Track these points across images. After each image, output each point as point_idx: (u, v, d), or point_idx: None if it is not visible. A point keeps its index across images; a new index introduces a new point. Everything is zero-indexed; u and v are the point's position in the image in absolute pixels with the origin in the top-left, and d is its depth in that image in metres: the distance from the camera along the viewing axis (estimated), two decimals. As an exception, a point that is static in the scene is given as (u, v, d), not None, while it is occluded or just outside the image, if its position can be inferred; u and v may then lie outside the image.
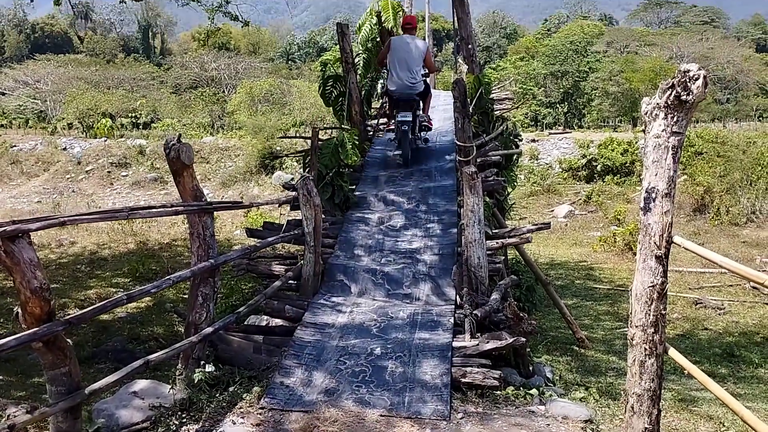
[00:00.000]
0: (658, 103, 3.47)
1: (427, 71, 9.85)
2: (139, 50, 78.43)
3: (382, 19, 13.40)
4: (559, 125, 46.65)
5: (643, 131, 3.63)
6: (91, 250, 13.99)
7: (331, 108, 11.18)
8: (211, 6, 11.85)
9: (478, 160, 8.18)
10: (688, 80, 3.33)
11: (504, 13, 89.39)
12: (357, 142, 9.46)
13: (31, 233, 3.22)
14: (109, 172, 29.63)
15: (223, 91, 52.72)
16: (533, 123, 46.77)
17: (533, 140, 30.46)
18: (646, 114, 3.55)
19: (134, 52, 76.61)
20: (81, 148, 32.06)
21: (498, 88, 14.60)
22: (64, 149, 32.09)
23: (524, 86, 48.46)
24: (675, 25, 76.31)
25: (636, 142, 26.21)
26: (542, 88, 49.90)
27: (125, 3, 11.61)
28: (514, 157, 10.26)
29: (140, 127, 42.35)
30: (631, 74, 43.49)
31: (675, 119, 3.39)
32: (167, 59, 70.88)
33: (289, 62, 74.91)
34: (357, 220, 8.30)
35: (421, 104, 9.82)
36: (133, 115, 44.39)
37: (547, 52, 52.79)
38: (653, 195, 3.43)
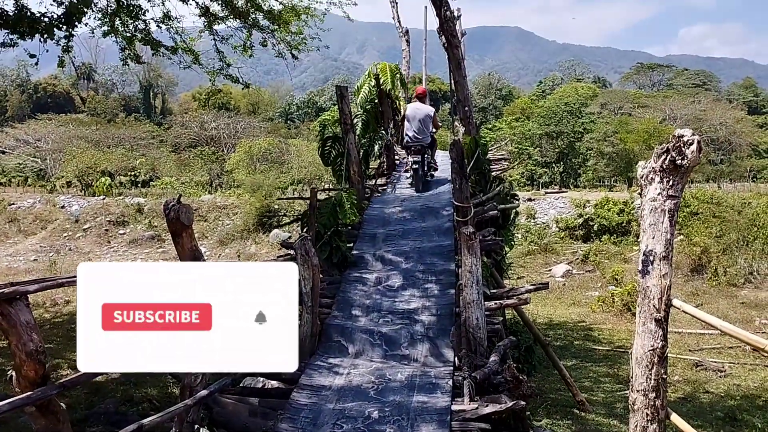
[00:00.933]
0: (653, 167, 3.52)
1: (434, 129, 12.44)
2: (140, 110, 79.60)
3: (381, 81, 13.70)
4: (555, 184, 47.07)
5: (640, 194, 3.67)
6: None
7: (329, 167, 11.29)
8: (212, 69, 12.13)
9: (476, 219, 8.22)
10: (682, 145, 3.39)
11: (499, 75, 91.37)
12: (355, 202, 9.54)
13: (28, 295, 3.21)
14: (106, 230, 29.62)
15: (222, 150, 53.26)
16: (530, 182, 47.17)
17: (530, 199, 30.65)
18: (642, 178, 3.60)
19: (135, 112, 77.70)
20: (79, 206, 32.12)
21: (494, 149, 14.79)
22: (63, 207, 32.16)
23: (520, 146, 49.07)
24: (667, 88, 77.80)
25: (632, 202, 26.37)
26: (538, 148, 50.51)
27: (128, 65, 11.85)
28: (512, 217, 10.32)
29: (139, 185, 42.59)
30: (625, 135, 44.10)
31: (670, 183, 3.44)
32: (168, 119, 71.86)
33: (288, 122, 76.01)
34: (355, 279, 8.27)
35: (429, 151, 12.38)
36: (132, 173, 44.72)
37: (542, 113, 53.64)
38: (651, 258, 3.45)
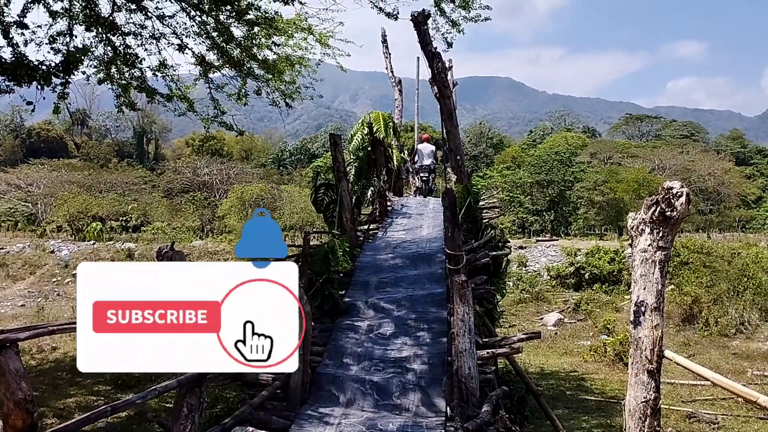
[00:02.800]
0: (643, 219, 3.57)
1: (434, 161, 19.20)
2: (134, 155, 79.90)
3: (374, 130, 13.86)
4: (547, 233, 47.23)
5: (630, 245, 3.71)
6: (73, 356, 13.60)
7: (322, 214, 11.33)
8: (207, 116, 12.25)
9: (468, 267, 8.23)
10: (671, 197, 3.44)
11: (491, 124, 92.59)
12: (348, 249, 9.55)
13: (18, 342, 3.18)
14: (96, 275, 29.39)
15: (215, 196, 53.33)
16: (521, 230, 47.33)
17: (521, 247, 30.71)
18: (632, 229, 3.64)
19: (128, 157, 77.98)
20: (69, 251, 31.91)
21: (486, 197, 14.90)
22: (52, 252, 31.94)
23: (511, 194, 49.37)
24: (656, 139, 78.90)
25: (622, 251, 26.45)
26: (529, 196, 50.82)
27: (123, 112, 11.96)
28: (503, 265, 10.33)
29: (130, 230, 42.44)
30: (615, 184, 44.48)
31: (660, 234, 3.48)
32: (160, 164, 72.12)
33: (281, 168, 76.44)
34: (346, 327, 8.23)
35: (432, 175, 19.20)
36: (123, 218, 44.62)
37: (532, 162, 54.14)
38: (642, 309, 3.47)
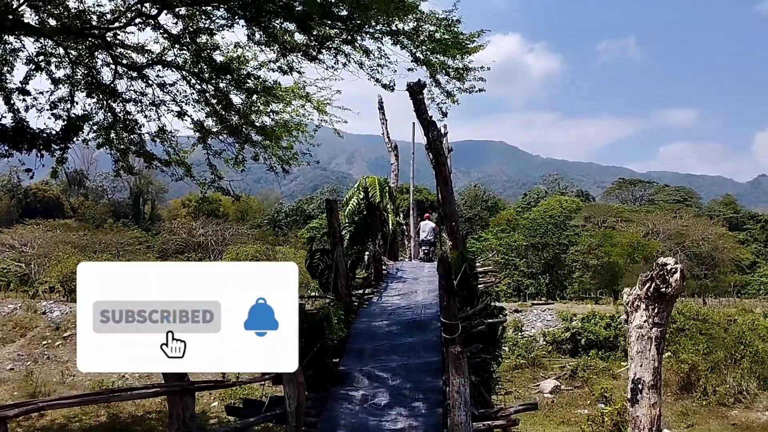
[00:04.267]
0: (638, 294, 3.57)
1: (435, 236, 21.14)
2: (129, 216, 79.92)
3: (370, 194, 13.97)
4: (542, 296, 46.94)
5: (626, 321, 3.71)
6: (61, 423, 13.36)
7: (317, 279, 11.28)
8: (204, 181, 12.34)
9: (463, 335, 8.16)
10: (666, 273, 3.46)
11: (485, 187, 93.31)
12: (342, 317, 9.47)
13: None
14: (86, 337, 28.99)
15: (209, 257, 53.11)
16: (516, 293, 47.08)
17: (516, 311, 30.48)
18: (627, 304, 3.64)
19: (124, 218, 77.96)
20: (61, 313, 31.48)
21: (482, 260, 14.90)
22: (44, 313, 31.54)
23: (506, 257, 49.30)
24: (649, 203, 79.46)
25: (618, 317, 26.31)
26: (524, 259, 50.74)
27: (121, 176, 12.05)
28: (499, 333, 10.25)
29: (123, 291, 42.02)
30: (609, 248, 44.48)
31: (656, 311, 3.48)
32: (156, 225, 72.06)
33: (276, 229, 76.43)
34: (341, 397, 8.08)
35: (433, 247, 21.19)
36: (117, 279, 44.27)
37: (527, 225, 54.30)
38: (640, 386, 3.44)
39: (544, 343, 27.21)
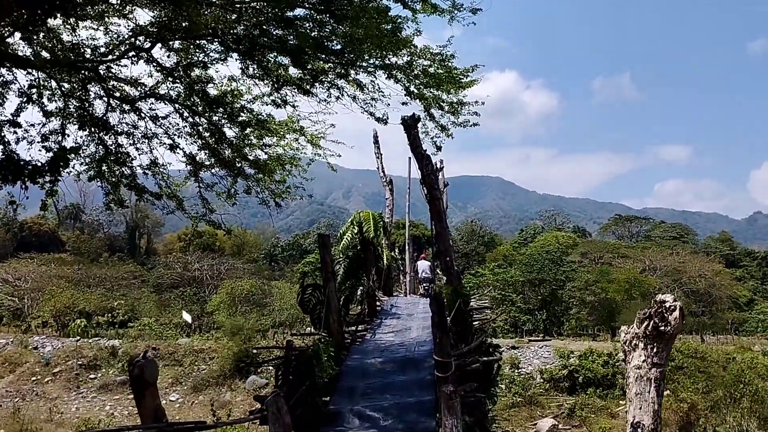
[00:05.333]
0: (636, 333, 3.41)
1: (432, 273, 22.06)
2: (125, 250, 79.72)
3: (364, 229, 13.83)
4: (539, 332, 46.53)
5: (624, 361, 3.54)
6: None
7: (308, 315, 11.07)
8: (195, 215, 12.20)
9: (457, 373, 7.94)
10: (664, 311, 3.30)
11: (482, 222, 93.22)
12: (333, 354, 9.23)
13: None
14: (77, 374, 28.51)
15: (204, 292, 52.72)
16: (513, 329, 46.65)
17: (513, 347, 30.13)
18: (625, 343, 3.48)
19: (120, 252, 77.72)
20: (53, 348, 31.17)
21: (477, 295, 14.71)
22: (36, 348, 31.18)
23: (503, 293, 48.99)
24: (645, 239, 79.46)
25: (616, 354, 26.05)
26: (521, 295, 50.38)
27: (112, 210, 11.90)
28: (495, 371, 10.02)
29: (116, 326, 41.66)
30: (606, 284, 44.24)
31: (655, 350, 3.32)
32: (151, 259, 71.77)
33: (272, 264, 76.12)
34: (330, 439, 7.82)
35: (431, 284, 21.87)
36: (111, 314, 43.90)
37: (524, 260, 54.05)
38: (639, 430, 3.26)
39: (542, 380, 26.83)
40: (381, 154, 22.48)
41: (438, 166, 14.91)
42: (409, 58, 10.27)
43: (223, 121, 11.56)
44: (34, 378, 28.47)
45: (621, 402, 23.62)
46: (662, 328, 3.29)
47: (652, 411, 3.27)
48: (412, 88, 10.47)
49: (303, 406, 7.93)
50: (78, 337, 33.16)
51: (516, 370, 27.78)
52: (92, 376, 28.50)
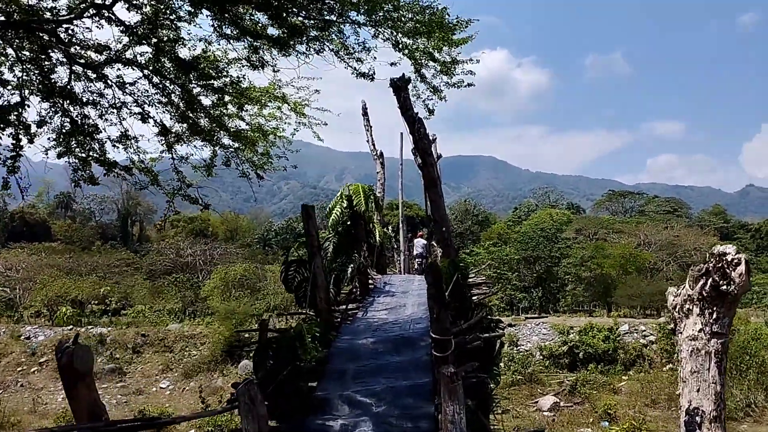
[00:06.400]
0: (689, 295, 2.66)
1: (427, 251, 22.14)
2: (117, 237, 78.99)
3: (354, 203, 13.07)
4: (535, 309, 46.14)
5: (674, 332, 2.78)
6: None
7: (293, 294, 10.30)
8: (171, 190, 11.35)
9: (457, 352, 7.20)
10: (726, 266, 2.54)
11: (476, 202, 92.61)
12: (319, 334, 8.45)
13: None
14: (64, 362, 27.79)
15: (198, 277, 51.98)
16: (509, 307, 46.23)
17: (510, 325, 29.55)
18: (674, 309, 2.72)
19: (112, 239, 77.00)
20: (45, 337, 30.55)
21: (474, 273, 14.01)
22: (28, 338, 30.47)
23: (499, 271, 48.49)
24: (639, 214, 79.07)
25: (617, 329, 25.51)
26: (516, 273, 49.90)
27: (80, 187, 11.03)
28: (497, 348, 9.29)
29: (109, 314, 41.02)
30: (602, 260, 43.88)
31: (714, 316, 2.58)
32: (144, 246, 71.00)
33: (266, 248, 75.33)
34: (316, 429, 7.03)
35: (424, 260, 22.09)
36: (103, 302, 43.21)
37: (518, 238, 53.62)
38: (698, 419, 2.52)
39: (541, 357, 26.27)
40: (371, 127, 21.65)
41: (431, 137, 14.08)
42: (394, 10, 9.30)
43: (198, 88, 10.69)
44: (19, 368, 27.74)
45: (623, 378, 23.09)
46: (723, 287, 2.53)
47: (713, 393, 2.52)
48: (399, 37, 9.54)
49: (286, 394, 7.17)
50: (71, 326, 32.42)
51: (515, 348, 27.20)
52: (80, 365, 27.76)
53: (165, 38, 9.50)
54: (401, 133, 24.95)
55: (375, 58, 9.72)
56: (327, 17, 9.11)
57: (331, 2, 8.87)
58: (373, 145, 21.75)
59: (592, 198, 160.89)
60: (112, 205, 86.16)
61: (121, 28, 9.21)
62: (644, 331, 26.06)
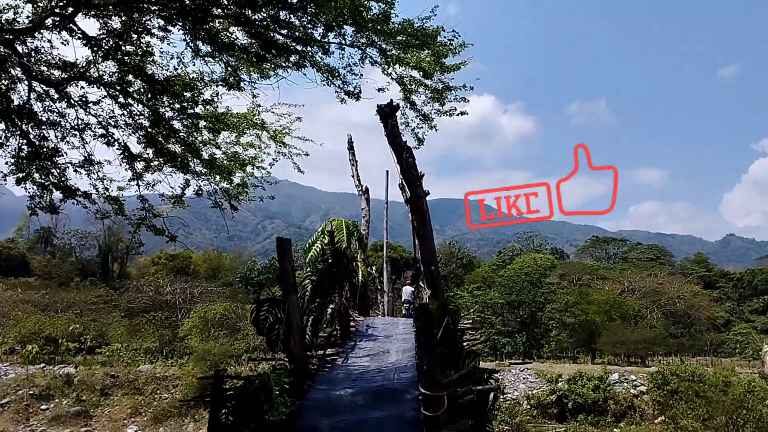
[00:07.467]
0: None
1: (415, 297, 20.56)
2: (97, 274, 77.67)
3: (336, 239, 12.24)
4: (519, 355, 45.25)
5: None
6: None
7: (265, 337, 9.34)
8: (135, 221, 10.44)
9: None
10: None
11: (460, 245, 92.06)
12: (287, 386, 7.39)
13: None
14: (27, 405, 26.29)
15: (177, 316, 50.59)
16: (492, 352, 45.31)
17: (494, 371, 28.52)
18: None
19: (92, 276, 75.71)
20: (16, 374, 29.16)
21: (463, 316, 13.19)
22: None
23: (482, 315, 47.63)
24: (623, 261, 79.12)
25: (607, 378, 24.61)
26: (500, 318, 49.06)
27: (37, 215, 10.10)
28: (491, 402, 8.38)
29: (84, 352, 39.64)
30: (586, 306, 43.40)
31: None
32: (124, 283, 69.65)
33: (248, 287, 74.00)
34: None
35: (414, 303, 20.81)
36: (78, 340, 41.81)
37: (503, 282, 52.96)
38: None
39: (528, 407, 25.25)
40: (356, 161, 20.93)
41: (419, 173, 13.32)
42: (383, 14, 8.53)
43: (170, 112, 9.89)
44: (-20, 411, 26.24)
45: (615, 430, 22.16)
46: None
47: None
48: (389, 49, 8.77)
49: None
50: (43, 364, 30.98)
51: (501, 396, 26.16)
52: (44, 406, 26.32)
53: (133, 53, 8.71)
54: (387, 171, 24.34)
55: (361, 75, 8.97)
56: (310, 31, 8.37)
57: (313, 14, 8.10)
58: (359, 180, 21.06)
59: (576, 243, 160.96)
60: (93, 241, 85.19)
61: (84, 41, 8.42)
62: (635, 380, 25.18)
